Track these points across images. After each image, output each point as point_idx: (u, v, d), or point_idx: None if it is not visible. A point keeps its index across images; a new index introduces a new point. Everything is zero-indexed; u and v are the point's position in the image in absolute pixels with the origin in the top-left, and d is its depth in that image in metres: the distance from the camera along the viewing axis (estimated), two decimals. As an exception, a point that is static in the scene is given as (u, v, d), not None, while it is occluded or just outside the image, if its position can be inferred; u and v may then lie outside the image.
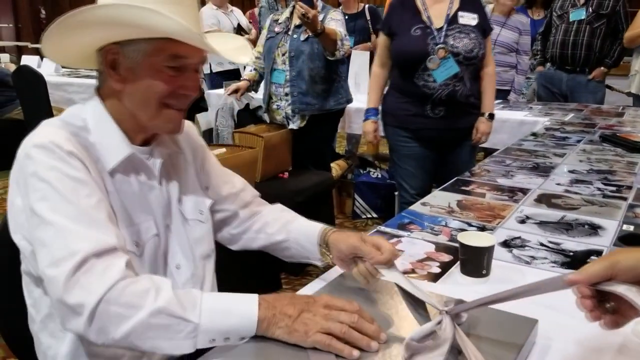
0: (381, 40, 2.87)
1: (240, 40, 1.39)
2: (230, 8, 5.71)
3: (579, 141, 2.94)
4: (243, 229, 1.43)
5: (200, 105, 4.09)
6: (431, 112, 2.74)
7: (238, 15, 5.73)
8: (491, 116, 2.85)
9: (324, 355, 0.96)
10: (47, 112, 4.46)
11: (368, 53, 4.67)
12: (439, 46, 2.64)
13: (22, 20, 11.67)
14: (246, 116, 3.68)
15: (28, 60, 6.07)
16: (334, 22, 3.30)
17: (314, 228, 1.35)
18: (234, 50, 1.30)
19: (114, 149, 1.15)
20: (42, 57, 6.53)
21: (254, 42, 5.54)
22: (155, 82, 1.13)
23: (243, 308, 1.00)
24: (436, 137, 2.80)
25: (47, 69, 5.75)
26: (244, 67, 5.14)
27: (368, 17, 4.91)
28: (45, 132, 1.09)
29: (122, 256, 1.02)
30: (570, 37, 4.38)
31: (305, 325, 0.98)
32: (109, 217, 1.07)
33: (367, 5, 5.07)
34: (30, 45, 9.77)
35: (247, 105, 3.71)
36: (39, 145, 1.06)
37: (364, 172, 4.40)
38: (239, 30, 5.60)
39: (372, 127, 2.93)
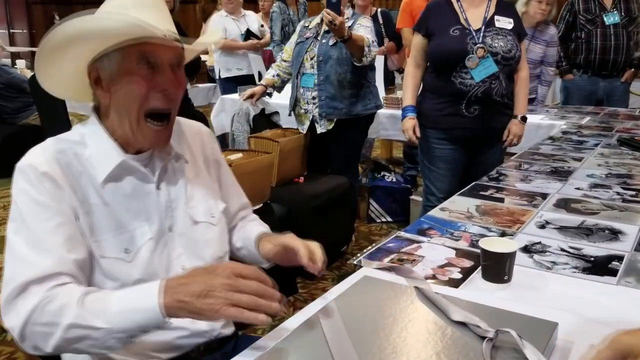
0: (417, 41, 2.88)
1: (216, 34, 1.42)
2: (242, 13, 5.71)
3: (596, 145, 2.93)
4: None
5: (190, 112, 4.00)
6: (466, 110, 2.76)
7: (250, 21, 5.73)
8: (524, 119, 2.88)
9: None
10: (63, 117, 4.49)
11: (383, 57, 4.67)
12: (477, 45, 2.67)
13: (36, 26, 11.76)
14: (262, 121, 3.69)
15: (44, 66, 6.11)
16: (363, 28, 3.30)
17: (253, 233, 1.46)
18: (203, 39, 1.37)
19: (106, 159, 1.22)
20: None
21: (264, 46, 5.58)
22: (132, 85, 1.18)
23: (146, 303, 1.03)
24: (469, 136, 2.82)
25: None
26: (259, 73, 5.16)
27: (381, 21, 4.91)
28: (29, 154, 1.18)
29: (63, 280, 1.08)
30: (611, 41, 4.33)
31: (213, 304, 1.00)
32: (65, 240, 1.12)
33: (379, 9, 5.07)
34: (45, 51, 9.84)
35: (263, 110, 3.72)
36: (18, 168, 1.16)
37: (379, 176, 4.40)
38: (248, 35, 5.61)
39: (411, 124, 2.90)
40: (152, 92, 1.19)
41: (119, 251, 1.20)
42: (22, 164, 1.16)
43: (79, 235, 1.16)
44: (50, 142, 1.22)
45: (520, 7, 4.07)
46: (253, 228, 1.50)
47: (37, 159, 1.16)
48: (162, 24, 1.19)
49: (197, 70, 4.03)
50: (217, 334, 1.32)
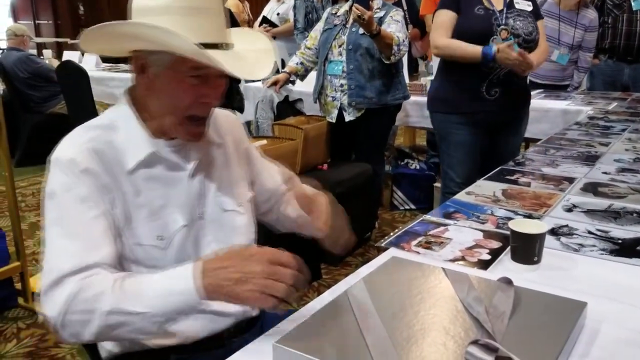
0: (448, 17, 2.76)
1: (267, 42, 1.34)
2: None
3: (624, 130, 2.90)
4: (276, 217, 1.54)
5: (233, 106, 4.00)
6: (487, 93, 2.73)
7: (284, 7, 5.75)
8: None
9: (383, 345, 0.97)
10: (90, 106, 4.55)
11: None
12: (501, 27, 2.66)
13: (61, 17, 11.89)
14: (285, 108, 3.70)
15: (69, 55, 6.19)
16: (394, 24, 3.24)
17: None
18: (255, 59, 1.28)
19: (137, 147, 1.20)
20: (82, 53, 6.66)
21: (287, 32, 5.58)
22: (178, 93, 1.17)
23: (183, 286, 1.04)
24: (489, 121, 2.80)
25: (88, 64, 5.86)
26: (282, 61, 5.17)
27: (405, 8, 4.87)
28: (63, 146, 1.17)
29: (99, 272, 1.08)
30: (637, 27, 4.25)
31: (250, 291, 1.01)
32: (104, 231, 1.13)
33: (404, -5, 5.03)
34: (70, 42, 9.96)
35: (287, 97, 3.73)
36: (54, 162, 1.15)
37: (402, 163, 4.40)
38: (263, 22, 5.65)
39: (505, 46, 2.58)
40: (197, 102, 1.18)
41: (153, 238, 1.20)
42: (57, 157, 1.15)
43: (114, 226, 1.16)
44: (80, 130, 1.21)
45: None
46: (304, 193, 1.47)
47: (70, 151, 1.15)
48: (221, 35, 1.19)
49: None
50: (246, 313, 1.34)
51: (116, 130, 1.21)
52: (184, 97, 1.17)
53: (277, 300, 1.00)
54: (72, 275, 1.05)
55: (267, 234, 1.62)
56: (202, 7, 1.16)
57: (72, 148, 1.16)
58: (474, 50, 2.64)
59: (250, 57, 1.25)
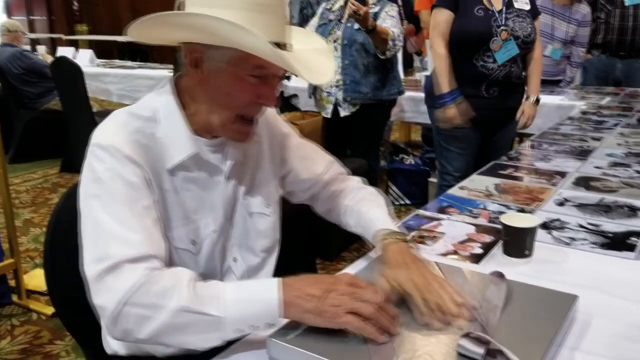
0: (444, 17, 2.74)
1: (322, 42, 1.30)
2: None
3: (616, 125, 2.92)
4: (326, 209, 1.47)
5: None
6: (486, 92, 2.75)
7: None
8: (537, 101, 2.86)
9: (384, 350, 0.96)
10: (84, 102, 4.55)
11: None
12: (501, 28, 2.68)
13: (55, 13, 11.85)
14: (281, 104, 3.70)
15: (63, 51, 6.16)
16: (389, 19, 3.26)
17: (371, 227, 1.34)
18: (316, 62, 1.21)
19: (178, 146, 1.15)
20: (77, 49, 6.64)
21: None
22: (235, 91, 1.11)
23: (264, 294, 0.98)
24: (487, 117, 2.80)
25: (82, 60, 5.82)
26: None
27: (400, 3, 4.87)
28: (108, 132, 1.11)
29: (154, 263, 1.02)
30: (629, 22, 4.26)
31: (333, 307, 0.96)
32: (154, 223, 1.08)
33: (398, -9, 5.03)
34: (64, 37, 9.94)
35: (282, 93, 3.73)
36: (100, 146, 1.08)
37: (397, 159, 4.41)
38: None
39: (452, 113, 2.71)
40: (254, 102, 1.13)
41: (187, 242, 1.17)
42: (99, 142, 1.09)
43: (161, 219, 1.12)
44: (123, 118, 1.14)
45: None
46: (368, 214, 1.39)
47: (114, 137, 1.09)
48: (282, 35, 1.12)
49: None
50: None
51: (158, 123, 1.15)
52: (241, 96, 1.12)
53: (366, 325, 0.95)
54: (133, 263, 0.98)
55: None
56: (267, 3, 1.08)
57: (115, 134, 1.10)
58: (442, 83, 2.71)
59: (311, 59, 1.19)
